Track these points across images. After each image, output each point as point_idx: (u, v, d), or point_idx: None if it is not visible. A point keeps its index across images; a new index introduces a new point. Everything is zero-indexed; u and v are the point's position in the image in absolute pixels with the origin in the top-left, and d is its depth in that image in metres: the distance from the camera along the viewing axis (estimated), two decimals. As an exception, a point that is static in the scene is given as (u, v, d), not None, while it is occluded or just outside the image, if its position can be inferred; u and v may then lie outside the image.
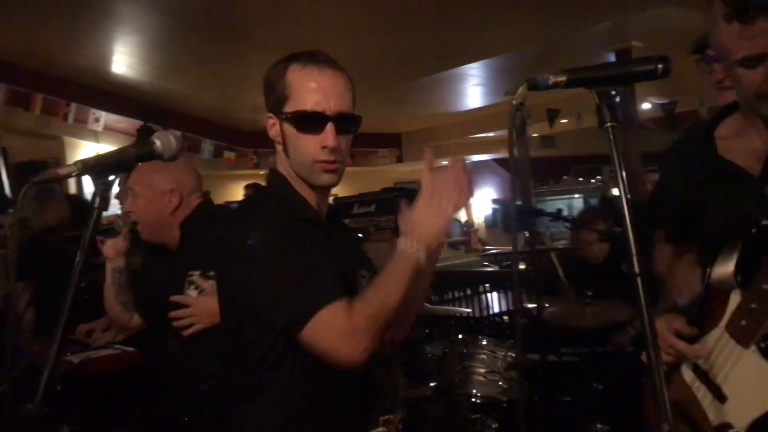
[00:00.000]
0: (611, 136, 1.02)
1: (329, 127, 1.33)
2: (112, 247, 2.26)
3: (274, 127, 1.39)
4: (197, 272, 2.12)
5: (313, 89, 1.33)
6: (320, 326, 1.21)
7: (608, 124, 1.03)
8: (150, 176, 2.19)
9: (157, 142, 1.18)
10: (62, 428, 3.04)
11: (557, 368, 3.32)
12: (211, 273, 2.04)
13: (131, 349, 3.34)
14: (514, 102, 0.98)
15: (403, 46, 6.60)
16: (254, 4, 5.70)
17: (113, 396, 3.36)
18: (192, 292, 2.12)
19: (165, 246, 2.26)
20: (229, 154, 9.70)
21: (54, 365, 1.12)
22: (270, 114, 1.40)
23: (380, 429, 1.39)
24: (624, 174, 1.02)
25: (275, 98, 1.37)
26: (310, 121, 1.33)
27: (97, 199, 1.11)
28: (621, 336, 3.23)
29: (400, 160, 12.01)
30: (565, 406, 3.21)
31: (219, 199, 10.43)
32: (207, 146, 9.33)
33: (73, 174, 1.10)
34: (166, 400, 2.72)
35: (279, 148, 1.41)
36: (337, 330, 1.21)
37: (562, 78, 1.03)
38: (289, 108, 1.35)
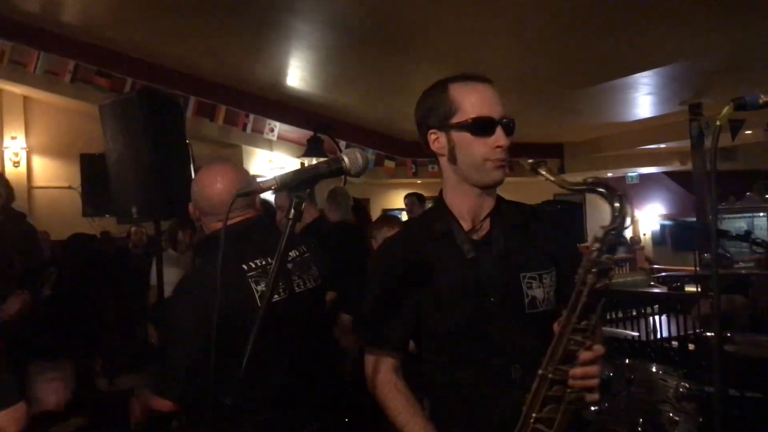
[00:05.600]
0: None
1: (499, 129, 1.49)
2: None
3: (437, 141, 1.55)
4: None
5: (479, 98, 1.50)
6: None
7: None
8: None
9: (346, 159, 1.24)
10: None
11: (739, 404, 3.02)
12: None
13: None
14: (718, 123, 0.92)
15: (570, 54, 6.40)
16: (419, 19, 5.83)
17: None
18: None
19: None
20: (389, 163, 9.99)
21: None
22: (433, 130, 1.54)
23: None
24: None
25: (440, 115, 1.53)
26: (483, 126, 1.49)
27: (293, 211, 1.20)
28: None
29: (561, 171, 11.62)
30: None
31: (377, 205, 10.77)
32: (368, 155, 9.66)
33: (273, 187, 1.20)
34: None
35: (443, 159, 1.56)
36: None
37: (776, 97, 0.95)
38: (459, 118, 1.50)
